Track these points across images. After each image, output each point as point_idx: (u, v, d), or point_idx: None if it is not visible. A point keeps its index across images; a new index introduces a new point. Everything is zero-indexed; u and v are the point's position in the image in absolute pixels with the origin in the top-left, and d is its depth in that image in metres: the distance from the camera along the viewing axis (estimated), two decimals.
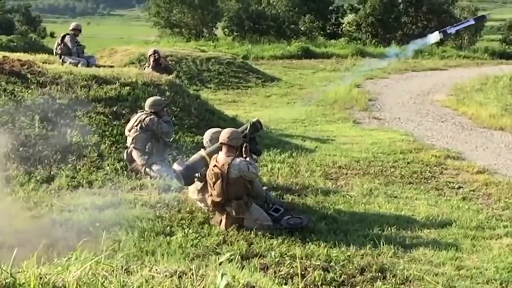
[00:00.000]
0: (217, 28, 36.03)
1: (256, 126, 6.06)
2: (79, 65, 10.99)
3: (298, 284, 4.24)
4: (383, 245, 5.20)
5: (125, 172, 6.94)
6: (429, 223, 5.96)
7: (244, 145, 5.70)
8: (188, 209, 5.96)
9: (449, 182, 7.58)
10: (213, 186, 5.53)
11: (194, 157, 6.03)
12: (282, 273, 4.55)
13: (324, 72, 20.42)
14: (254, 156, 6.00)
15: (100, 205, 5.84)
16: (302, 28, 34.12)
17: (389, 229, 5.70)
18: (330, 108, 13.20)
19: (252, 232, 5.38)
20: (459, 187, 7.41)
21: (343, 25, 37.41)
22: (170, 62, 14.71)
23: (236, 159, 5.49)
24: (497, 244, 5.54)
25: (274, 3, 35.47)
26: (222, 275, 2.30)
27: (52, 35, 48.40)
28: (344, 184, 7.32)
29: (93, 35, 54.58)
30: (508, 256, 5.19)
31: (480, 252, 5.32)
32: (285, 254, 4.93)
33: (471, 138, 10.51)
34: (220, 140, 5.64)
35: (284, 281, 4.35)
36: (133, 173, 6.95)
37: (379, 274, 4.68)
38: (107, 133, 7.73)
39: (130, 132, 7.03)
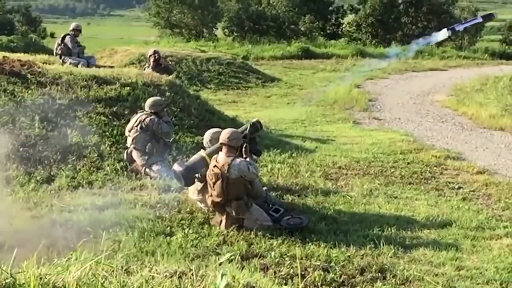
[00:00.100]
0: (217, 28, 36.03)
1: (256, 126, 6.06)
2: (79, 66, 10.99)
3: (298, 285, 4.24)
4: (383, 245, 5.20)
5: (125, 173, 6.94)
6: (429, 224, 5.97)
7: (244, 145, 5.70)
8: (188, 209, 5.96)
9: (449, 183, 7.58)
10: (213, 187, 5.53)
11: (194, 157, 6.03)
12: (282, 273, 4.55)
13: (324, 73, 20.43)
14: (254, 157, 6.00)
15: (100, 205, 5.84)
16: (302, 29, 34.13)
17: (389, 229, 5.70)
18: (330, 108, 13.21)
19: (252, 232, 5.38)
20: (459, 188, 7.41)
21: (343, 26, 37.41)
22: (170, 63, 14.70)
23: (236, 160, 5.50)
24: (497, 244, 5.54)
25: (274, 3, 35.49)
26: (222, 275, 2.30)
27: (52, 35, 48.40)
28: (344, 185, 7.32)
29: (93, 36, 54.58)
30: (508, 256, 5.19)
31: (480, 252, 5.32)
32: (285, 254, 4.93)
33: (471, 138, 10.51)
34: (220, 141, 5.64)
35: (284, 282, 4.35)
36: (133, 174, 6.95)
37: (379, 274, 4.68)
38: (107, 133, 7.73)
39: (130, 132, 7.03)
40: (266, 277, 4.07)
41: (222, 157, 5.57)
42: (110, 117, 8.10)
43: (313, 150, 8.94)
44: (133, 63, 16.12)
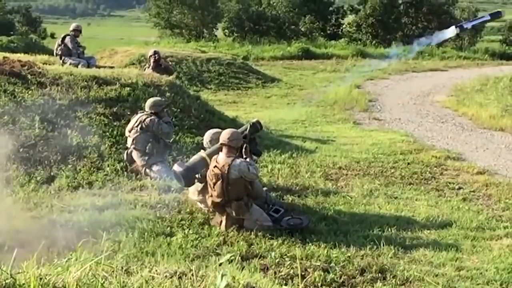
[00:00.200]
0: (217, 29, 36.05)
1: (256, 126, 6.06)
2: (79, 66, 10.99)
3: (298, 285, 4.24)
4: (383, 246, 5.20)
5: (125, 173, 6.94)
6: (429, 224, 5.96)
7: (244, 146, 5.70)
8: (188, 210, 5.96)
9: (449, 183, 7.58)
10: (213, 187, 5.53)
11: (194, 158, 6.03)
12: (282, 273, 4.55)
13: (324, 73, 20.43)
14: (254, 157, 6.00)
15: (100, 205, 5.85)
16: (302, 29, 34.14)
17: (389, 230, 5.70)
18: (330, 109, 13.21)
19: (252, 233, 5.38)
20: (459, 188, 7.41)
21: (343, 26, 37.40)
22: (170, 63, 14.71)
23: (236, 160, 5.50)
24: (497, 245, 5.54)
25: (274, 4, 35.50)
26: (222, 275, 2.30)
27: (52, 36, 48.38)
28: (344, 185, 7.32)
29: (94, 36, 54.60)
30: (508, 257, 5.18)
31: (480, 253, 5.32)
32: (285, 254, 4.93)
33: (471, 139, 10.51)
34: (220, 141, 5.64)
35: (284, 282, 4.35)
36: (133, 174, 6.95)
37: (379, 275, 4.68)
38: (107, 134, 7.72)
39: (131, 133, 7.03)
40: (266, 278, 4.07)
41: (222, 158, 5.57)
42: (110, 117, 8.10)
43: (313, 150, 8.94)
44: (133, 64, 16.13)
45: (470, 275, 4.77)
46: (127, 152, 7.08)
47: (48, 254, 4.27)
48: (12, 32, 39.36)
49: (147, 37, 41.50)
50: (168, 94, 9.13)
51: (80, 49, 11.99)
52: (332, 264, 4.78)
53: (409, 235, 5.65)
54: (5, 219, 5.31)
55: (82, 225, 5.25)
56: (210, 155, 5.80)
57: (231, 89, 16.29)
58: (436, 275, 4.75)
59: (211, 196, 5.61)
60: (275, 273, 4.56)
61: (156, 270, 2.67)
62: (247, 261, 4.79)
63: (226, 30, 34.54)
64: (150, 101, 7.22)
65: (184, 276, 2.62)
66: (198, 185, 5.97)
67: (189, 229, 5.46)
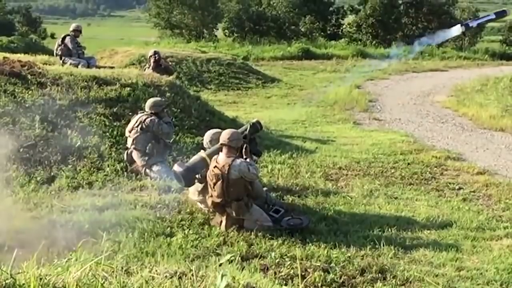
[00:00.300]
0: (218, 29, 36.07)
1: (256, 127, 6.06)
2: (80, 66, 10.99)
3: (298, 285, 4.24)
4: (383, 246, 5.20)
5: (125, 173, 6.94)
6: (430, 224, 5.96)
7: (244, 146, 5.70)
8: (188, 210, 5.96)
9: (450, 183, 7.58)
10: (214, 187, 5.53)
11: (194, 158, 6.03)
12: (282, 274, 4.55)
13: (324, 73, 20.43)
14: (254, 157, 6.00)
15: (100, 206, 5.84)
16: (303, 29, 34.15)
17: (390, 230, 5.70)
18: (330, 109, 13.21)
19: (252, 233, 5.38)
20: (460, 188, 7.40)
21: (344, 26, 37.39)
22: (170, 63, 14.71)
23: (236, 160, 5.49)
24: (498, 245, 5.54)
25: (275, 4, 35.51)
26: (222, 276, 2.30)
27: (52, 36, 48.40)
28: (344, 185, 7.32)
29: (94, 36, 54.63)
30: (508, 257, 5.18)
31: (481, 253, 5.32)
32: (285, 255, 4.93)
33: (471, 139, 10.51)
34: (220, 141, 5.64)
35: (284, 282, 4.35)
36: (133, 174, 6.95)
37: (379, 275, 4.68)
38: (107, 134, 7.72)
39: (131, 133, 7.03)
40: (266, 278, 4.07)
41: (222, 158, 5.56)
42: (110, 117, 8.10)
43: (314, 150, 8.94)
44: (133, 64, 16.14)
45: (470, 275, 4.77)
46: (127, 152, 7.08)
47: (48, 254, 4.27)
48: (12, 33, 39.36)
49: (147, 37, 41.51)
50: (168, 94, 9.13)
51: (80, 49, 11.99)
52: (332, 264, 4.78)
53: (409, 235, 5.65)
54: (5, 219, 5.31)
55: (82, 226, 5.25)
56: (210, 155, 5.80)
57: (231, 89, 16.29)
58: (436, 275, 4.75)
59: (211, 196, 5.61)
60: (275, 273, 4.56)
61: (156, 270, 2.66)
62: (247, 261, 4.79)
63: (226, 30, 34.56)
64: (150, 101, 7.22)
65: (184, 276, 2.62)
66: (198, 185, 5.97)
67: (189, 230, 5.46)
